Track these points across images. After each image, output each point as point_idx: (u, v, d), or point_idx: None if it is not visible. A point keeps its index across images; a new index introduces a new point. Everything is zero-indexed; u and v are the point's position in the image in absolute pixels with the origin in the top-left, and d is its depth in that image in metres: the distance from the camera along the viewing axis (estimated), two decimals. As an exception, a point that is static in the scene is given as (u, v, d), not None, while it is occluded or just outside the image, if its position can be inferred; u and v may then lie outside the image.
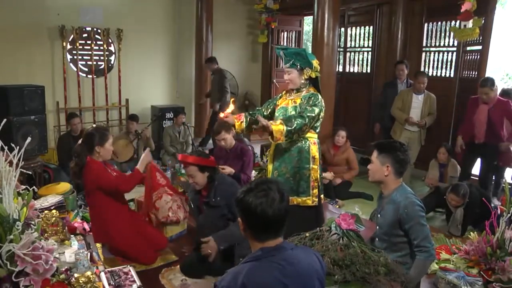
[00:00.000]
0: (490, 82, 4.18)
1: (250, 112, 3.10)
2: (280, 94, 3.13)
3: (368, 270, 1.96)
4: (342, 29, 6.86)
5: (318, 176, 2.99)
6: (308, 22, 10.15)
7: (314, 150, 2.94)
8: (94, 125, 3.01)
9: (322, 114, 2.89)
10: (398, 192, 2.26)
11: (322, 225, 2.36)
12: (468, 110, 4.47)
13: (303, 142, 2.93)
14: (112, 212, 2.81)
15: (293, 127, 2.72)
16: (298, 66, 2.85)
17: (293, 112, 2.90)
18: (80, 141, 2.91)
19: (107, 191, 2.75)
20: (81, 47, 6.29)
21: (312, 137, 2.96)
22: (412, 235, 2.19)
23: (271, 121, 2.80)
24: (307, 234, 2.25)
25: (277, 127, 2.72)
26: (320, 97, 2.89)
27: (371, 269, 1.97)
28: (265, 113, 3.11)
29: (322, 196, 3.08)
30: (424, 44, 5.80)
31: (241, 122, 2.98)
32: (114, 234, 2.78)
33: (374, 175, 2.31)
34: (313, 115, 2.80)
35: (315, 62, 2.89)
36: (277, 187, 1.46)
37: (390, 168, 2.24)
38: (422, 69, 5.85)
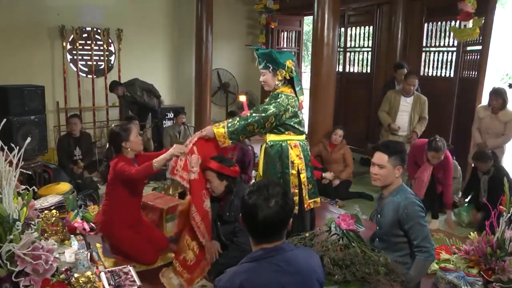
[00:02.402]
0: (443, 145, 3.69)
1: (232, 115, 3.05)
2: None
3: (368, 270, 1.96)
4: (342, 29, 6.86)
5: (299, 181, 2.77)
6: (308, 22, 10.17)
7: (293, 155, 2.75)
8: (114, 124, 2.95)
9: (286, 114, 2.67)
10: (399, 192, 2.27)
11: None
12: (410, 159, 3.93)
13: (282, 145, 2.75)
14: (124, 208, 2.79)
15: (234, 128, 2.59)
16: (271, 68, 2.70)
17: None
18: (107, 146, 2.89)
19: (121, 178, 2.68)
20: (81, 47, 6.29)
21: (293, 140, 2.76)
22: (411, 235, 2.19)
23: (216, 124, 2.68)
24: (307, 234, 2.24)
25: (219, 130, 2.61)
26: (283, 97, 2.67)
27: (371, 269, 1.96)
28: None
29: (317, 199, 2.90)
30: (424, 44, 5.80)
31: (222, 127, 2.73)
32: (117, 230, 2.78)
33: (386, 179, 2.26)
34: (263, 114, 2.61)
35: (288, 63, 2.69)
36: (282, 193, 1.45)
37: (401, 169, 2.26)
38: (422, 69, 5.86)
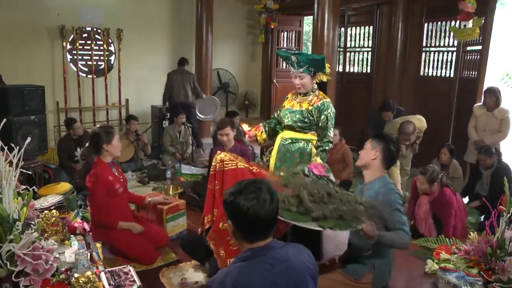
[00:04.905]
0: (433, 172, 3.48)
1: (268, 121, 3.16)
2: (287, 96, 3.10)
3: (346, 208, 1.96)
4: (342, 29, 6.86)
5: None
6: (308, 22, 10.17)
7: (315, 154, 2.87)
8: (98, 125, 2.99)
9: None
10: (381, 181, 2.29)
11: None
12: (412, 194, 3.78)
13: (306, 144, 2.87)
14: (110, 213, 2.80)
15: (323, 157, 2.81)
16: (312, 72, 2.81)
17: (299, 116, 2.85)
18: (87, 144, 2.91)
19: (91, 194, 2.82)
20: (81, 47, 6.29)
21: (315, 140, 2.90)
22: (389, 221, 2.17)
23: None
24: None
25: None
26: (331, 105, 2.86)
27: (349, 207, 1.97)
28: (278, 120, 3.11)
29: None
30: (424, 44, 5.80)
31: (261, 132, 3.07)
32: (114, 234, 2.79)
33: (362, 159, 2.36)
34: (329, 135, 2.85)
35: (327, 66, 2.88)
36: (267, 188, 1.44)
37: (378, 153, 2.28)
38: (422, 69, 5.84)
